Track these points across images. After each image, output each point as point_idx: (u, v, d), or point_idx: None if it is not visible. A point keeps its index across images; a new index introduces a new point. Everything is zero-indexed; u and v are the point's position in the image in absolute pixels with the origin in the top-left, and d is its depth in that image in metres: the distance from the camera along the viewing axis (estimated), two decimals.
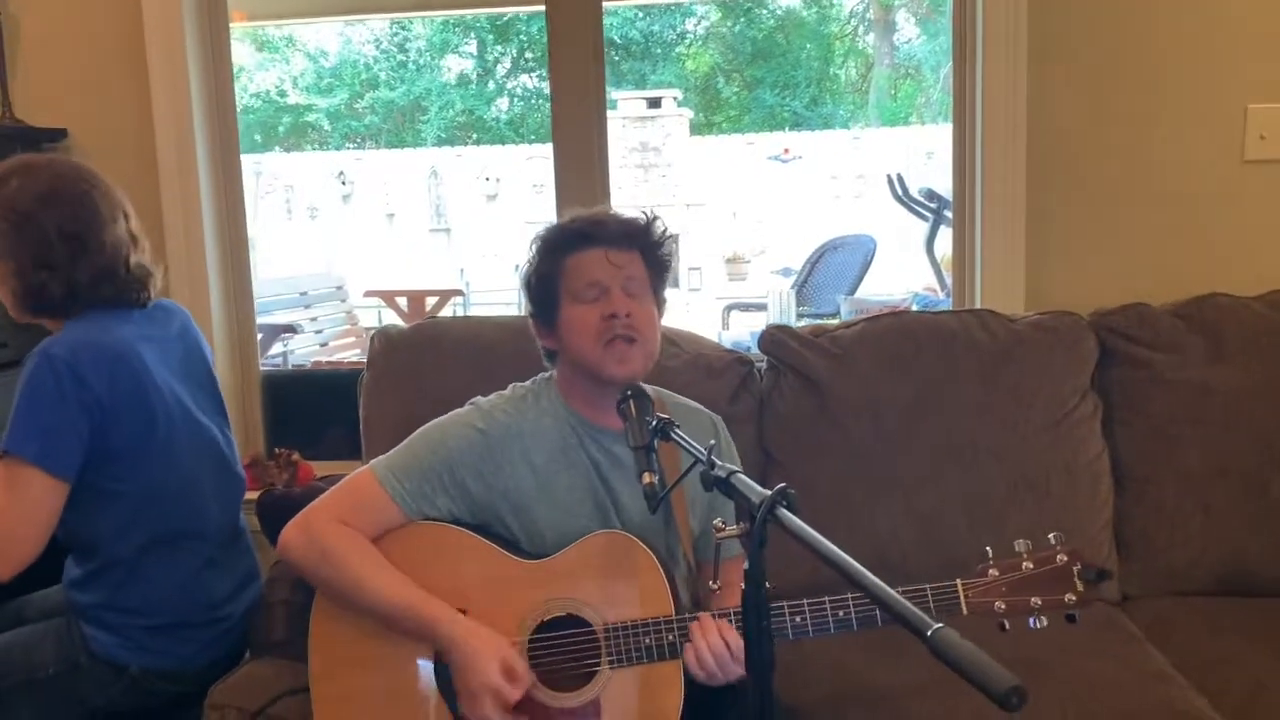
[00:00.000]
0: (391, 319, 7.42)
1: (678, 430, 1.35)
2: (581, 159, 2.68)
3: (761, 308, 7.03)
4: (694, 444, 1.28)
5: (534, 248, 1.71)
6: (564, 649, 1.56)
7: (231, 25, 2.75)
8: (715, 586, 1.22)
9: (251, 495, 2.14)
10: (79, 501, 1.77)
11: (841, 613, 1.49)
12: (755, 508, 1.02)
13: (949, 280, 7.23)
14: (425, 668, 1.59)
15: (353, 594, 1.59)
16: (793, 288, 6.97)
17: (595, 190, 2.69)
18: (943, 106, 13.61)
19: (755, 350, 2.37)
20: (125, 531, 1.83)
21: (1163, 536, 2.15)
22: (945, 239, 7.00)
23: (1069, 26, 2.45)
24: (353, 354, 6.82)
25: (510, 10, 11.84)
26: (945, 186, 6.66)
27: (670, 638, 1.52)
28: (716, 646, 1.46)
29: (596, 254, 1.64)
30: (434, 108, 15.20)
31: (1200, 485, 2.14)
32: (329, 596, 1.63)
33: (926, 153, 11.27)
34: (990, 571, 1.50)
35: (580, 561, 1.58)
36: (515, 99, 16.17)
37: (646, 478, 1.35)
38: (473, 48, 16.05)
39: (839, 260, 7.10)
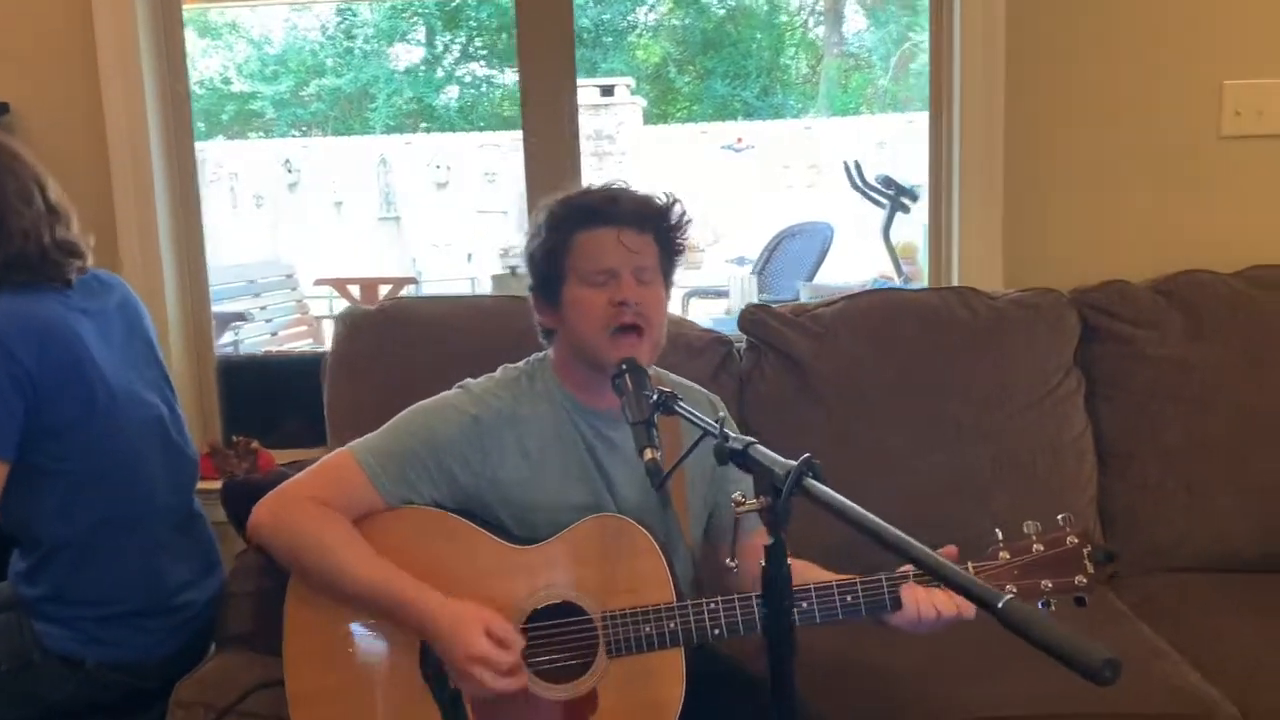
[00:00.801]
0: (344, 308, 7.27)
1: (682, 403, 1.29)
2: (553, 146, 2.61)
3: (721, 294, 7.00)
4: (701, 416, 1.21)
5: (540, 219, 1.60)
6: (559, 639, 1.49)
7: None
8: (734, 565, 1.15)
9: (214, 484, 2.04)
10: (20, 482, 1.69)
11: (850, 598, 1.43)
12: (780, 480, 0.96)
13: (905, 267, 7.26)
14: (408, 656, 1.51)
15: (329, 575, 1.50)
16: (752, 274, 6.95)
17: (567, 178, 2.62)
18: (892, 96, 13.70)
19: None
20: (69, 513, 1.75)
21: (1147, 513, 2.14)
22: (902, 226, 7.04)
23: (1047, 3, 2.42)
24: (304, 343, 6.68)
25: None
26: (898, 175, 6.71)
27: (672, 625, 1.45)
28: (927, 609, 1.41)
29: (608, 234, 1.54)
30: (382, 95, 14.98)
31: (1182, 461, 2.14)
32: (303, 580, 1.54)
33: (878, 142, 11.32)
34: (1001, 554, 1.46)
35: (575, 547, 1.51)
36: (465, 87, 15.99)
37: (648, 454, 1.28)
38: (421, 35, 15.83)
39: (796, 247, 7.09)
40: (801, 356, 2.17)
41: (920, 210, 6.80)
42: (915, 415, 2.12)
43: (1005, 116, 2.44)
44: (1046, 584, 1.45)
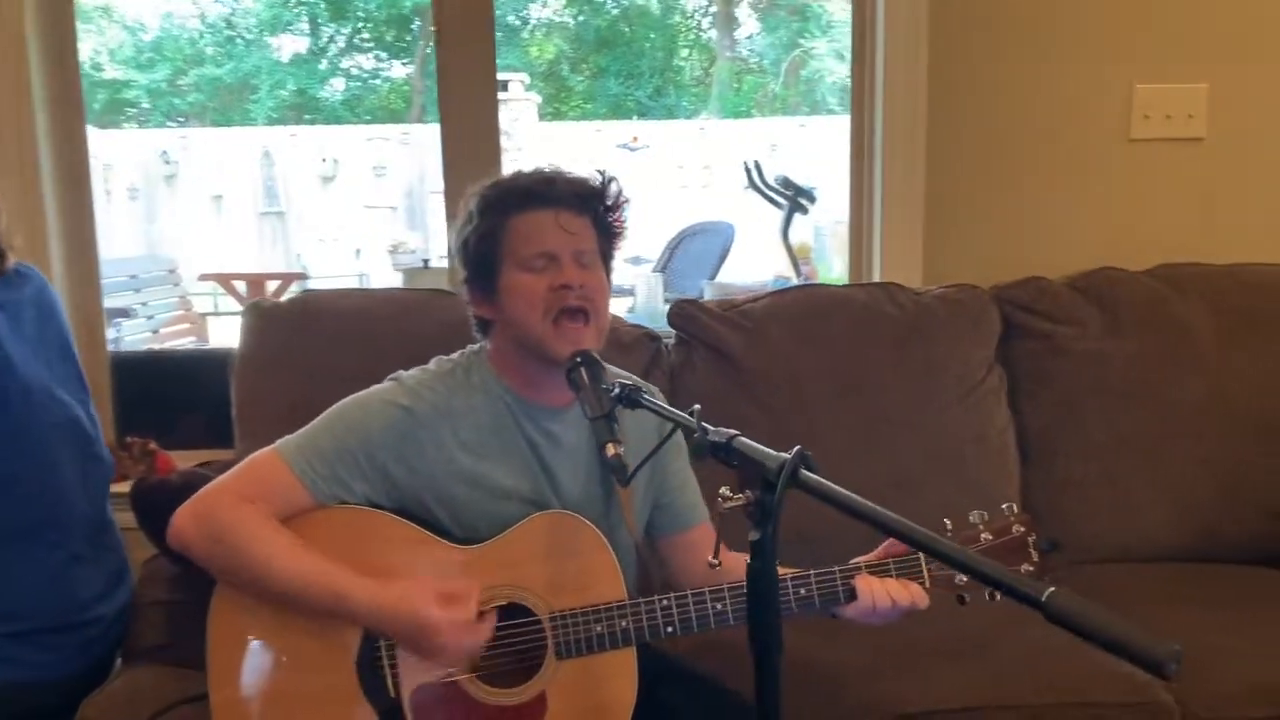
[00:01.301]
0: (229, 304, 7.01)
1: (649, 396, 1.24)
2: (473, 139, 2.53)
3: (623, 293, 6.96)
4: (672, 409, 1.17)
5: (472, 204, 1.52)
6: (507, 641, 1.43)
7: None
8: (716, 563, 1.10)
9: (119, 488, 1.90)
10: None
11: (804, 590, 1.41)
12: (772, 474, 0.92)
13: (803, 268, 7.34)
14: (344, 659, 1.42)
15: (257, 574, 1.39)
16: (654, 272, 6.94)
17: (488, 170, 2.54)
18: (782, 100, 13.92)
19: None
20: None
21: (1071, 508, 2.17)
22: (800, 227, 7.12)
23: (969, 4, 2.45)
24: (188, 340, 6.40)
25: None
26: (793, 177, 6.78)
27: (624, 624, 1.40)
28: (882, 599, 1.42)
29: (545, 216, 1.48)
30: (264, 86, 14.50)
31: (1104, 455, 2.18)
32: (232, 584, 1.43)
33: (770, 144, 11.47)
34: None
35: (522, 545, 1.44)
36: (350, 79, 15.62)
37: (611, 449, 1.23)
38: (305, 26, 15.40)
39: (698, 246, 7.11)
40: (733, 351, 2.15)
41: (813, 212, 6.91)
42: (849, 410, 2.12)
43: (928, 114, 2.46)
44: None
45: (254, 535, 1.40)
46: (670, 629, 1.42)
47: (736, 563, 1.07)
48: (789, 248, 6.73)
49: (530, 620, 1.43)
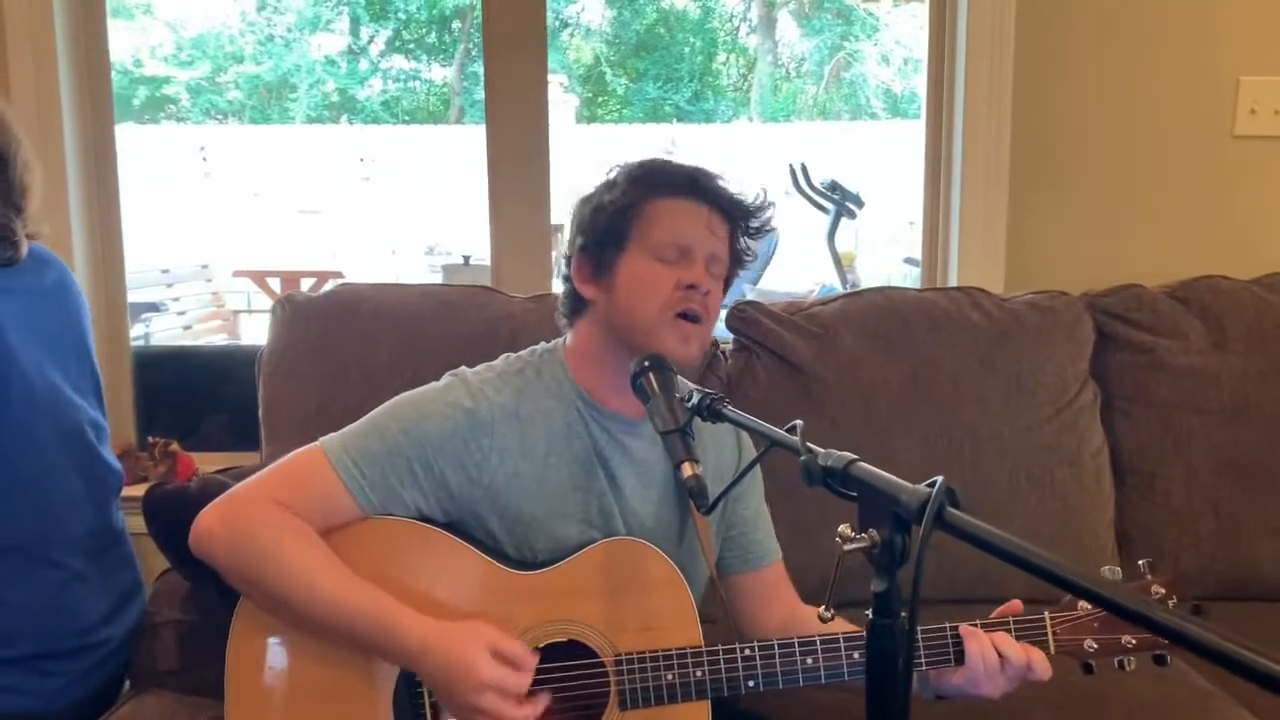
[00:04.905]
0: (262, 302, 6.90)
1: (731, 407, 1.06)
2: (520, 140, 2.37)
3: None
4: (766, 425, 0.99)
5: (618, 174, 1.37)
6: (564, 684, 1.25)
7: None
8: (829, 615, 0.92)
9: (135, 491, 1.75)
10: None
11: (858, 654, 1.22)
12: (909, 510, 0.74)
13: (850, 275, 7.16)
14: (381, 696, 1.26)
15: (290, 594, 1.22)
16: None
17: (537, 178, 2.39)
18: (823, 105, 13.72)
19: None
20: None
21: (1171, 537, 1.97)
22: (846, 232, 6.92)
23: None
24: (219, 338, 6.30)
25: None
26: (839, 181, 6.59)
27: (699, 673, 1.22)
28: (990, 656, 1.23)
29: (698, 209, 1.33)
30: (304, 85, 14.54)
31: (1209, 481, 1.98)
32: (259, 601, 1.26)
33: (812, 148, 11.30)
34: (1080, 604, 1.26)
35: (585, 574, 1.27)
36: (390, 79, 15.65)
37: (688, 469, 1.05)
38: (345, 25, 15.45)
39: None
40: (800, 359, 1.97)
41: (859, 217, 6.71)
42: (927, 425, 1.93)
43: (1012, 113, 2.27)
44: (1129, 640, 1.27)
45: (285, 548, 1.23)
46: (752, 683, 1.23)
47: (810, 614, 0.89)
48: (835, 253, 6.54)
49: (593, 662, 1.25)
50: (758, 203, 1.38)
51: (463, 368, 1.38)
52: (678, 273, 1.30)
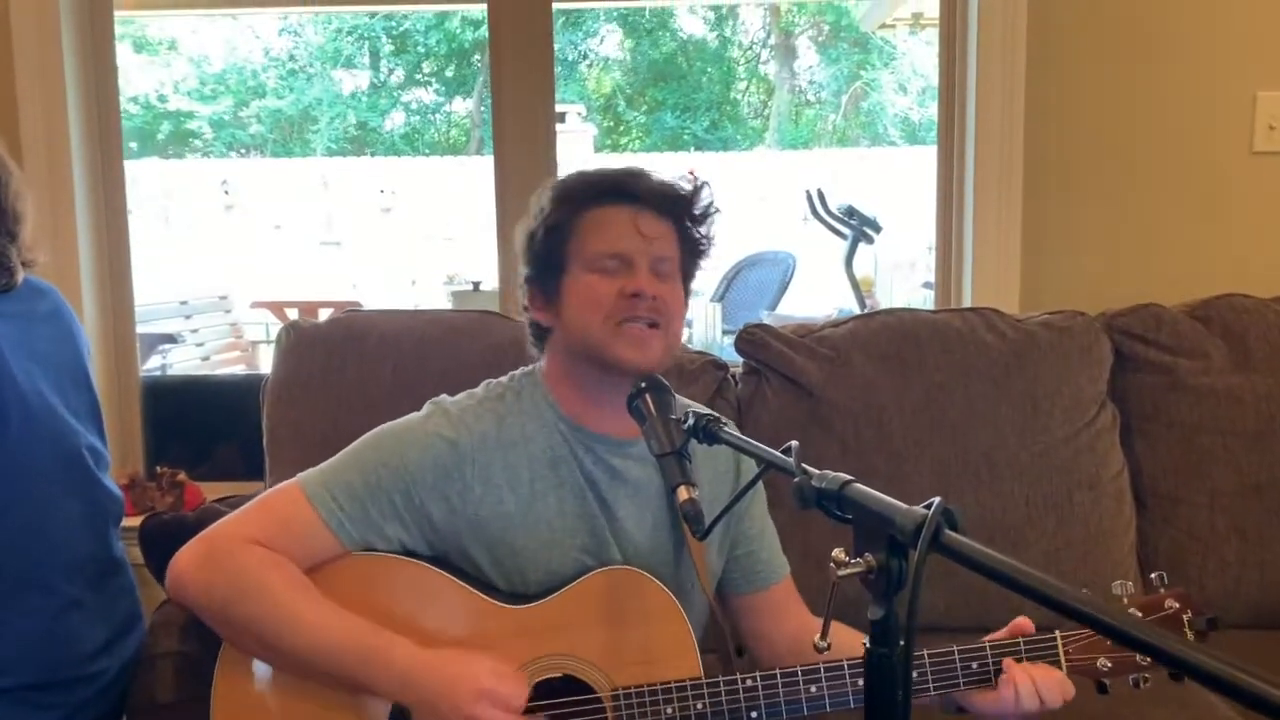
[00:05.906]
0: (289, 320, 6.92)
1: (729, 429, 1.03)
2: (529, 171, 2.38)
3: None
4: (761, 446, 0.96)
5: (545, 196, 1.35)
6: None
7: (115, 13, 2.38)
8: (825, 645, 0.89)
9: (131, 522, 1.73)
10: None
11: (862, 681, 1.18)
12: (905, 533, 0.71)
13: (868, 300, 7.11)
14: None
15: (273, 631, 1.19)
16: (711, 302, 6.73)
17: None
18: (841, 133, 13.72)
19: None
20: None
21: (1195, 564, 1.91)
22: (865, 257, 6.88)
23: (1069, 10, 2.24)
24: (237, 369, 6.31)
25: (450, 7, 11.50)
26: (855, 206, 6.56)
27: (700, 706, 1.18)
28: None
29: (623, 214, 1.29)
30: (325, 118, 14.70)
31: (1232, 505, 1.92)
32: (237, 644, 1.24)
33: (831, 176, 11.29)
34: None
35: (579, 607, 1.24)
36: (410, 112, 15.81)
37: (684, 493, 1.02)
38: (366, 59, 15.63)
39: (757, 277, 6.90)
40: (810, 382, 1.93)
41: (876, 242, 6.68)
42: (941, 450, 1.89)
43: (1024, 132, 2.24)
44: (1143, 657, 1.21)
45: (265, 584, 1.20)
46: (755, 714, 1.19)
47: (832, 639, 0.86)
48: (853, 278, 6.49)
49: (590, 698, 1.21)
50: (686, 189, 1.34)
51: (443, 396, 1.36)
52: (620, 282, 1.27)
